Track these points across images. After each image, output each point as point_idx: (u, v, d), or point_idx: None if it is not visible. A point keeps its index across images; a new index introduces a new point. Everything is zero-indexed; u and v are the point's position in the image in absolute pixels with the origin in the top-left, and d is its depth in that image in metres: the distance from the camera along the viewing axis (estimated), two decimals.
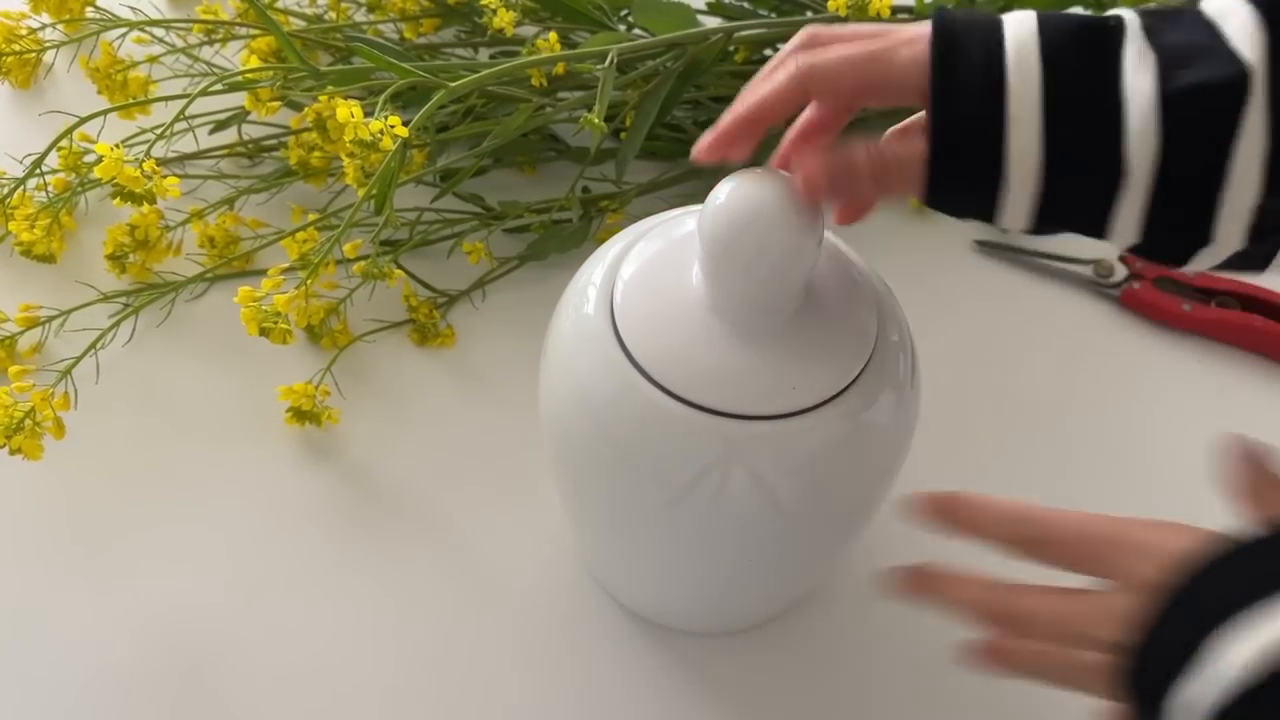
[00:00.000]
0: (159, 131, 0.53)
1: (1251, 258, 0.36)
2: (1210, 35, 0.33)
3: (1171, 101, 0.33)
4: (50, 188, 0.59)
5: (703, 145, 0.39)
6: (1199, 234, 0.35)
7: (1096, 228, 0.35)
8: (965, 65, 0.34)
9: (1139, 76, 0.33)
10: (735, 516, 0.40)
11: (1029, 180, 0.35)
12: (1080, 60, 0.34)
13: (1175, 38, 0.34)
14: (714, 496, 0.39)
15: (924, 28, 0.35)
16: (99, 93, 0.61)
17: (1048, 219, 0.36)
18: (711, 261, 0.38)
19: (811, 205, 0.37)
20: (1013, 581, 0.37)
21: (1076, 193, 0.35)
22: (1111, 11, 0.35)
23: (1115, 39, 0.34)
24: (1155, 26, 0.34)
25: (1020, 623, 0.36)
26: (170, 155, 0.65)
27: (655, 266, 0.41)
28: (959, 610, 0.38)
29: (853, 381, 0.39)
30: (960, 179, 0.36)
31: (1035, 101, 0.34)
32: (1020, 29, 0.35)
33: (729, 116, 0.38)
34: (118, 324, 0.55)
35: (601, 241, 0.45)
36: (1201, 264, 0.36)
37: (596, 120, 0.55)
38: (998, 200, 0.35)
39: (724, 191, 0.37)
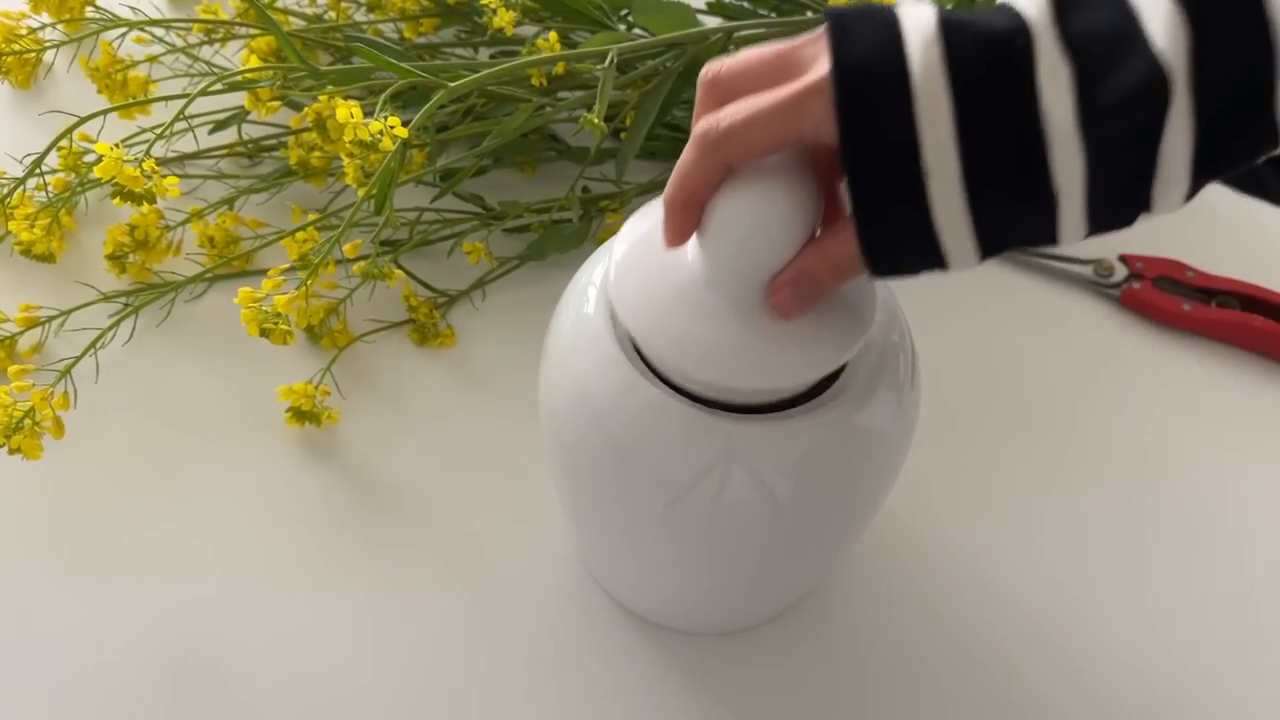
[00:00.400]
0: (159, 131, 0.53)
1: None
2: (1126, 20, 0.32)
3: (1091, 122, 0.32)
4: (50, 187, 0.59)
5: (666, 238, 0.38)
6: (1137, 212, 0.35)
7: (1043, 241, 0.35)
8: (874, 124, 0.33)
9: (1055, 95, 0.32)
10: (735, 516, 0.40)
11: (961, 229, 0.34)
12: (993, 91, 0.32)
13: (1088, 23, 0.32)
14: (714, 496, 0.39)
15: (823, 66, 0.33)
16: (99, 92, 0.61)
17: (991, 250, 0.35)
18: (707, 235, 0.37)
19: (808, 180, 0.36)
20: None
21: (1012, 223, 0.34)
22: None
23: (1025, 56, 0.32)
24: (1065, 8, 0.32)
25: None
26: (170, 155, 0.65)
27: (649, 243, 0.40)
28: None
29: (853, 381, 0.39)
30: (896, 242, 0.35)
31: (952, 151, 0.32)
32: (926, 56, 0.32)
33: (667, 205, 0.37)
34: (117, 324, 0.55)
35: (601, 241, 0.45)
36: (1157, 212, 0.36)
37: (596, 120, 0.55)
38: (940, 253, 0.34)
39: None
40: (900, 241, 0.35)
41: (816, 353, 0.38)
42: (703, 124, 0.35)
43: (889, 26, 0.33)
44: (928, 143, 0.32)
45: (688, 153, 0.36)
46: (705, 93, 0.36)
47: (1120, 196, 0.34)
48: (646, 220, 0.41)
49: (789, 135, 0.34)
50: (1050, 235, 0.34)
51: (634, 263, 0.39)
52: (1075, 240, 0.35)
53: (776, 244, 0.36)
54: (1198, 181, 0.34)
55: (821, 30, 0.34)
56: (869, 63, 0.33)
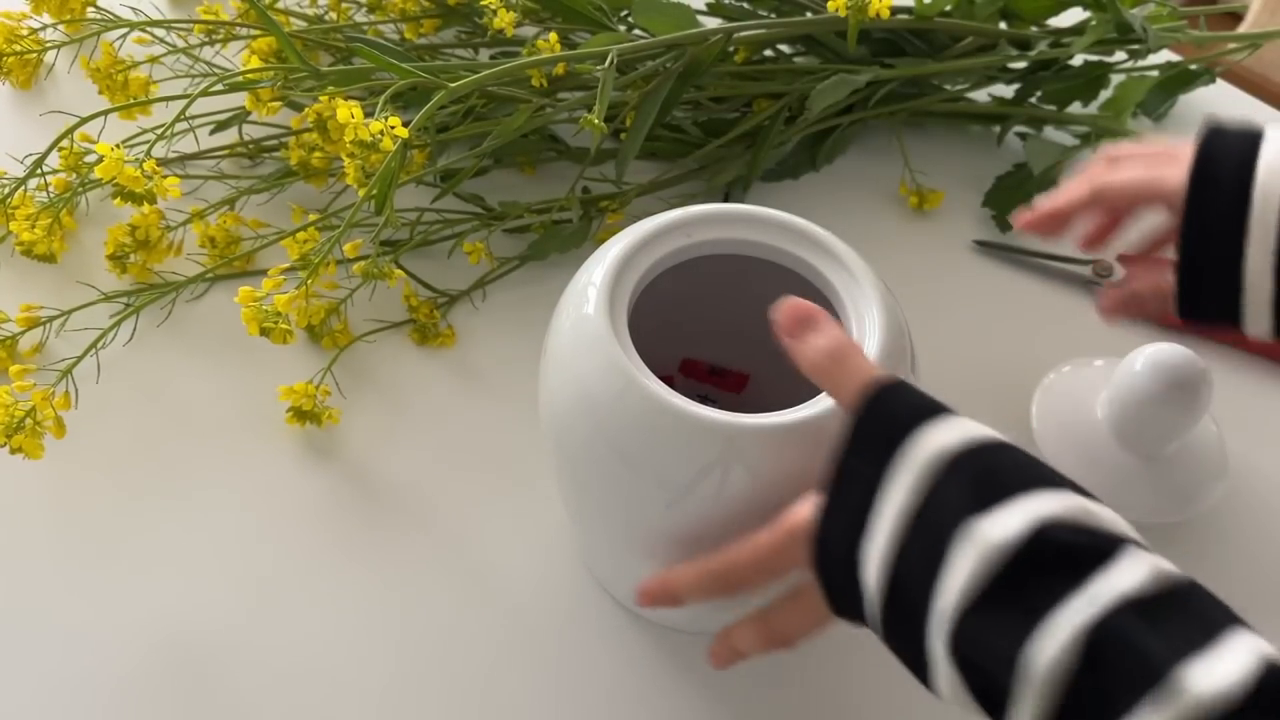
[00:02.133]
0: (160, 132, 0.53)
1: None
2: None
3: None
4: (51, 188, 0.59)
5: (1027, 217, 0.51)
6: None
7: None
8: (1214, 203, 0.43)
9: None
10: (734, 516, 0.40)
11: (1263, 300, 0.42)
12: None
13: None
14: (714, 496, 0.39)
15: (1191, 149, 0.45)
16: (100, 93, 0.61)
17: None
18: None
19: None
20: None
21: None
22: None
23: None
24: None
25: (730, 577, 0.40)
26: (171, 155, 0.65)
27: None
28: (691, 599, 0.41)
29: None
30: (1206, 298, 0.45)
31: (1271, 239, 0.42)
32: (1272, 169, 0.42)
33: (1052, 202, 0.50)
34: (118, 324, 0.55)
35: (601, 241, 0.45)
36: None
37: (596, 120, 0.55)
38: (1241, 313, 0.44)
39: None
40: (1209, 300, 0.45)
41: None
42: (1094, 174, 0.50)
43: (1251, 130, 0.44)
44: (1254, 237, 0.42)
45: (1072, 186, 0.50)
46: (1105, 158, 0.50)
47: None
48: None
49: (1147, 198, 0.48)
50: None
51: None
52: None
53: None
54: None
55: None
56: (1225, 152, 0.44)
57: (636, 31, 0.65)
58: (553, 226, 0.64)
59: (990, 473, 0.34)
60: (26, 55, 0.61)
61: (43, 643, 0.50)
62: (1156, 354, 0.53)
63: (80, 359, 0.53)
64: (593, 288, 0.42)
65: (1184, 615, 0.31)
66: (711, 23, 0.64)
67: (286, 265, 0.54)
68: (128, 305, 0.57)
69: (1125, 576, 0.31)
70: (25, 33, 0.61)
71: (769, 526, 0.39)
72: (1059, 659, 0.30)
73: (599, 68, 0.58)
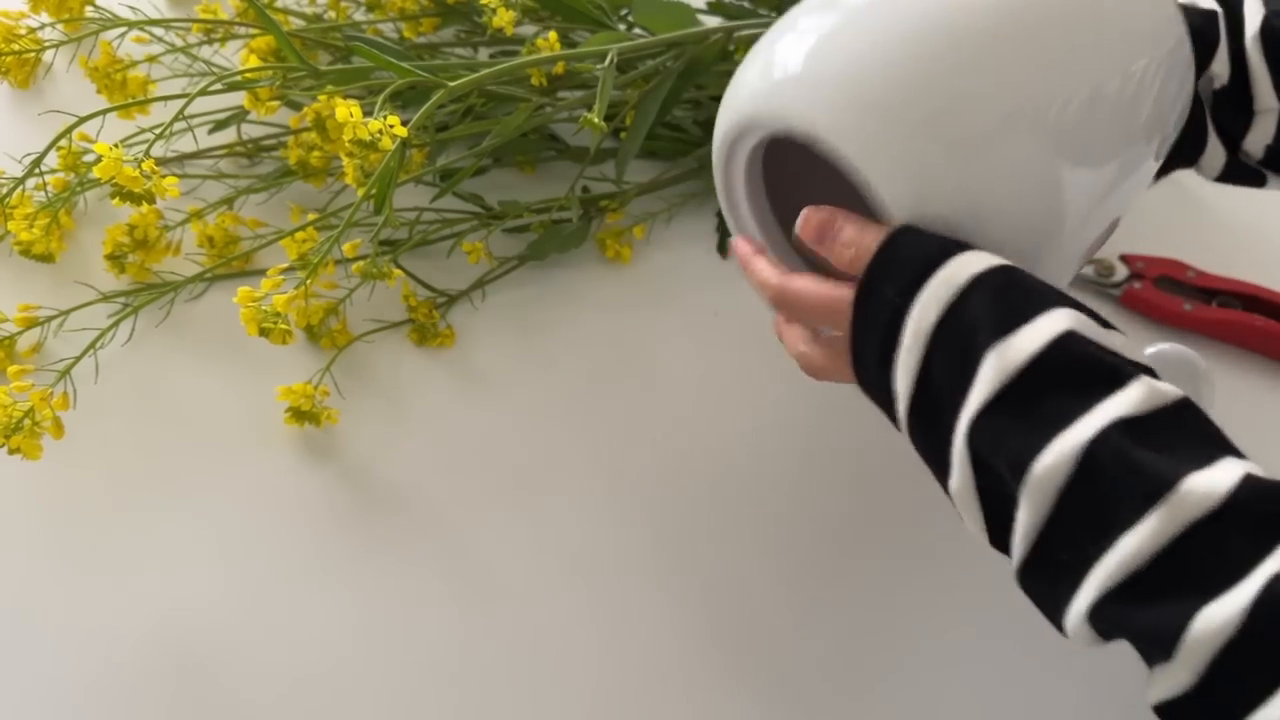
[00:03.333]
0: (158, 131, 0.53)
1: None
2: None
3: None
4: (49, 187, 0.59)
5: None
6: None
7: None
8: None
9: None
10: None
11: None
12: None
13: None
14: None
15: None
16: (98, 92, 0.61)
17: None
18: None
19: None
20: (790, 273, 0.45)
21: None
22: None
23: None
24: None
25: (794, 301, 0.44)
26: (169, 155, 0.65)
27: None
28: (760, 289, 0.46)
29: None
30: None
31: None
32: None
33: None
34: (117, 324, 0.55)
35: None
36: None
37: (596, 120, 0.55)
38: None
39: None
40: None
41: None
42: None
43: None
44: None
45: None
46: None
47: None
48: None
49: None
50: None
51: None
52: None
53: None
54: None
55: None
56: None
57: (636, 30, 0.65)
58: (552, 226, 0.64)
59: (1014, 287, 0.37)
60: (25, 54, 0.61)
61: (41, 642, 0.50)
62: (1157, 354, 0.53)
63: (79, 359, 0.53)
64: None
65: (1178, 434, 0.34)
66: (711, 22, 0.63)
67: (285, 265, 0.54)
68: (126, 305, 0.57)
69: (1125, 399, 0.34)
70: (23, 32, 0.60)
71: (834, 285, 0.42)
72: (1059, 467, 0.33)
73: (599, 67, 0.58)
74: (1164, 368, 0.53)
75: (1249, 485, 0.32)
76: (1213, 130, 0.50)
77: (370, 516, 0.54)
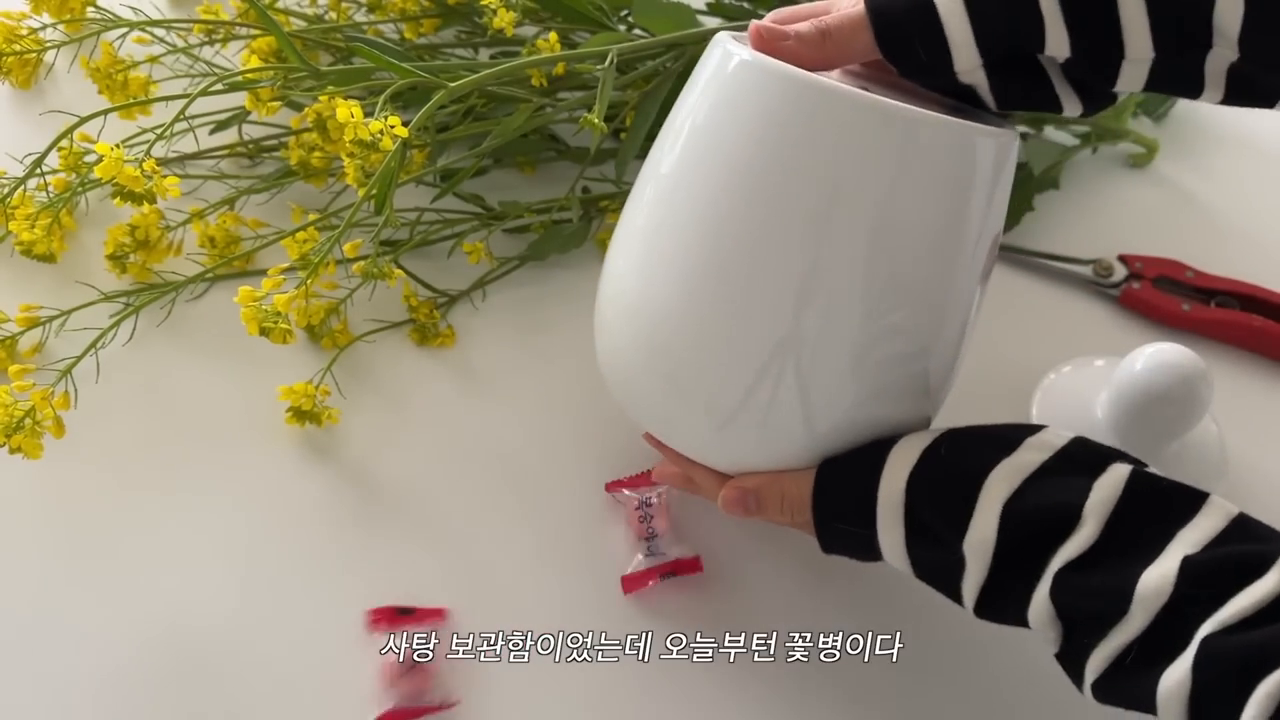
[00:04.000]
0: (159, 131, 0.53)
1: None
2: None
3: None
4: (50, 188, 0.59)
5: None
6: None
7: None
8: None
9: None
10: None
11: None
12: None
13: None
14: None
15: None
16: (99, 93, 0.61)
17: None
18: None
19: None
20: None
21: None
22: None
23: None
24: None
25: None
26: (170, 155, 0.65)
27: None
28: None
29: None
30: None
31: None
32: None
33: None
34: (118, 324, 0.55)
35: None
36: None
37: (596, 120, 0.55)
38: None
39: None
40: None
41: None
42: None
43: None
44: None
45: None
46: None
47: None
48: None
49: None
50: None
51: None
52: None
53: None
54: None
55: None
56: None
57: (636, 31, 0.65)
58: (553, 226, 0.64)
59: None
60: (26, 55, 0.61)
61: (42, 641, 0.50)
62: (1157, 354, 0.53)
63: (80, 359, 0.53)
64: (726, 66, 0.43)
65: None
66: (711, 22, 0.64)
67: (286, 265, 0.54)
68: (127, 305, 0.57)
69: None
70: (25, 32, 0.61)
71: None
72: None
73: (599, 67, 0.58)
74: (1163, 368, 0.53)
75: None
76: (1069, 87, 0.46)
77: (370, 515, 0.55)
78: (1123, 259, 0.66)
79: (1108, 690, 0.39)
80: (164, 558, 0.53)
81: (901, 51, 0.43)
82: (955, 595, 0.43)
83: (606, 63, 0.57)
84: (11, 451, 0.50)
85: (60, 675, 0.49)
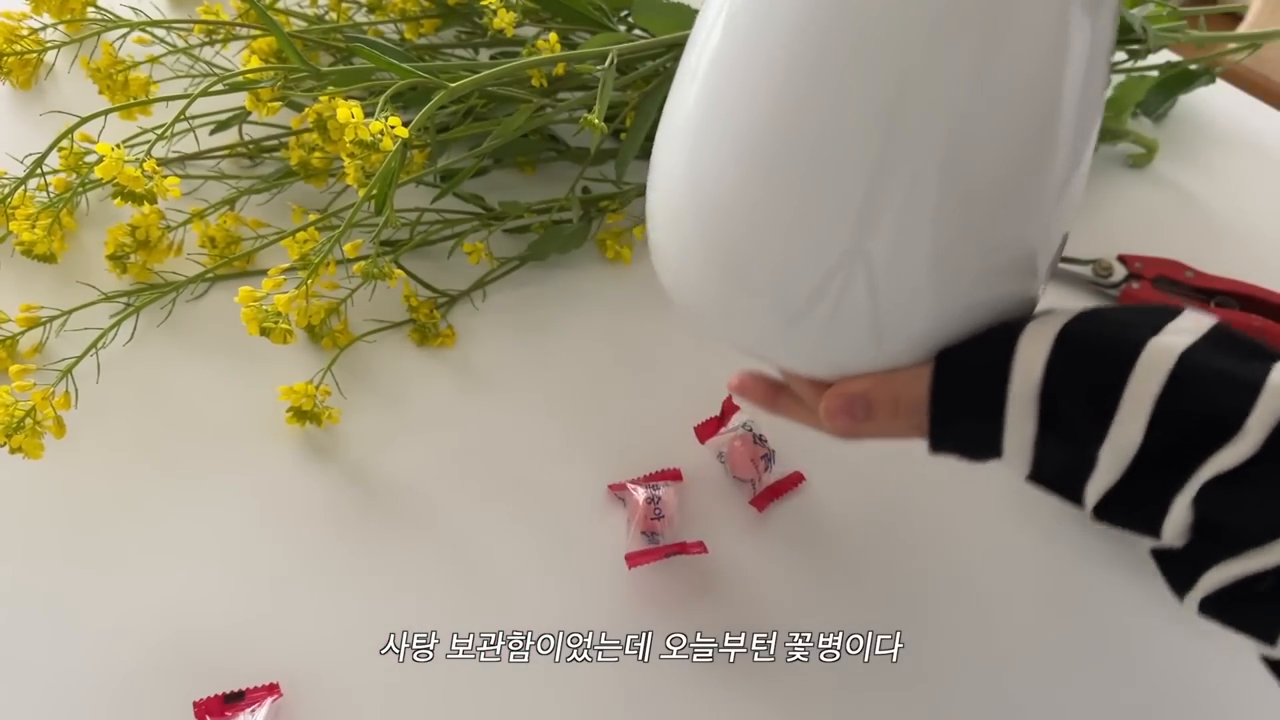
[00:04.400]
0: (160, 132, 0.53)
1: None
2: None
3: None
4: (51, 188, 0.59)
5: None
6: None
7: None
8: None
9: None
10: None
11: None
12: None
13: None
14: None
15: None
16: (100, 93, 0.61)
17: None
18: None
19: None
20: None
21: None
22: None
23: None
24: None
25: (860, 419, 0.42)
26: (171, 155, 0.65)
27: None
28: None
29: None
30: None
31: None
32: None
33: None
34: (118, 324, 0.56)
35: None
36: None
37: (596, 121, 0.55)
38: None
39: None
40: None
41: None
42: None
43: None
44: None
45: None
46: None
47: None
48: None
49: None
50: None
51: None
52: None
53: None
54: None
55: None
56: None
57: (636, 31, 0.65)
58: (553, 227, 0.64)
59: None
60: (27, 55, 0.61)
61: (43, 641, 0.50)
62: None
63: (80, 359, 0.53)
64: None
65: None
66: None
67: (287, 265, 0.55)
68: (128, 305, 0.57)
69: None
70: (25, 33, 0.61)
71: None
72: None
73: (599, 68, 0.59)
74: None
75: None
76: None
77: (370, 515, 0.55)
78: (1122, 259, 0.66)
79: (1221, 609, 0.35)
80: (164, 557, 0.53)
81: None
82: (1074, 496, 0.38)
83: (606, 63, 0.57)
84: (12, 451, 0.50)
85: (60, 675, 0.49)
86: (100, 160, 0.49)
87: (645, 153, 0.66)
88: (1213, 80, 0.74)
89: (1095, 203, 0.70)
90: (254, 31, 0.63)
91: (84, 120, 0.55)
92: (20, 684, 0.49)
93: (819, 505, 0.56)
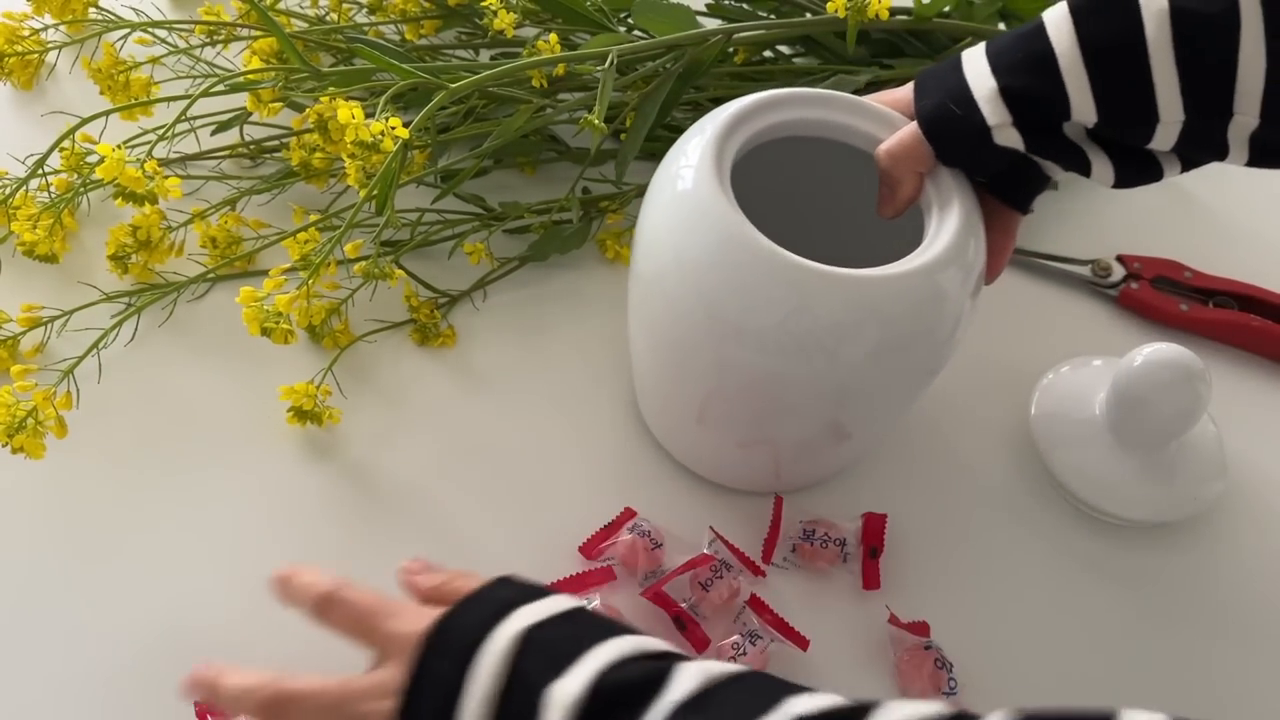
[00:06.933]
0: (161, 132, 0.53)
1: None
2: None
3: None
4: (52, 188, 0.59)
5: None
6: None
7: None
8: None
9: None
10: (806, 359, 0.45)
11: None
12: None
13: None
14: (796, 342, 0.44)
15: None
16: (101, 93, 0.61)
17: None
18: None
19: None
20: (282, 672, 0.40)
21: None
22: None
23: None
24: None
25: (294, 707, 0.39)
26: (172, 156, 0.65)
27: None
28: (233, 706, 0.40)
29: (929, 250, 0.45)
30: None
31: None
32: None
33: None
34: (120, 324, 0.56)
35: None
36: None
37: (596, 121, 0.55)
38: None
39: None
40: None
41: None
42: None
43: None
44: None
45: None
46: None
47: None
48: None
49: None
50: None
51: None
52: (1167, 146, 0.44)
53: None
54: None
55: None
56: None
57: (636, 32, 0.65)
58: (553, 227, 0.64)
59: (559, 641, 0.38)
60: (28, 56, 0.61)
61: (44, 641, 0.50)
62: (1156, 353, 0.54)
63: (82, 359, 0.53)
64: (689, 168, 0.46)
65: (740, 694, 0.35)
66: (711, 23, 0.64)
67: (288, 265, 0.55)
68: (129, 305, 0.57)
69: (679, 688, 0.35)
70: (27, 33, 0.61)
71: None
72: None
73: (599, 68, 0.59)
74: (1162, 367, 0.53)
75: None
76: (1100, 151, 0.46)
77: (371, 515, 0.55)
78: (1121, 259, 0.66)
79: None
80: (165, 557, 0.53)
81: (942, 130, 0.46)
82: None
83: (606, 64, 0.57)
84: (14, 451, 0.50)
85: (62, 673, 0.49)
86: (101, 161, 0.49)
87: (645, 153, 0.66)
88: None
89: (1094, 203, 0.70)
90: (255, 32, 0.63)
91: (85, 121, 0.56)
92: (21, 683, 0.49)
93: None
